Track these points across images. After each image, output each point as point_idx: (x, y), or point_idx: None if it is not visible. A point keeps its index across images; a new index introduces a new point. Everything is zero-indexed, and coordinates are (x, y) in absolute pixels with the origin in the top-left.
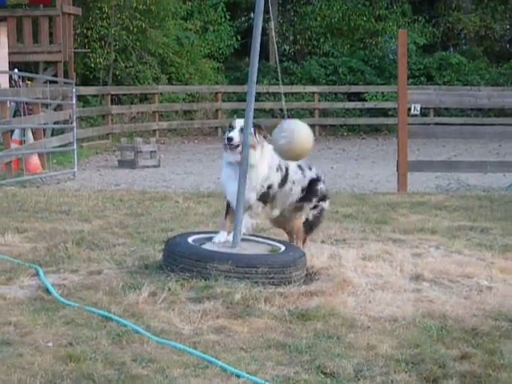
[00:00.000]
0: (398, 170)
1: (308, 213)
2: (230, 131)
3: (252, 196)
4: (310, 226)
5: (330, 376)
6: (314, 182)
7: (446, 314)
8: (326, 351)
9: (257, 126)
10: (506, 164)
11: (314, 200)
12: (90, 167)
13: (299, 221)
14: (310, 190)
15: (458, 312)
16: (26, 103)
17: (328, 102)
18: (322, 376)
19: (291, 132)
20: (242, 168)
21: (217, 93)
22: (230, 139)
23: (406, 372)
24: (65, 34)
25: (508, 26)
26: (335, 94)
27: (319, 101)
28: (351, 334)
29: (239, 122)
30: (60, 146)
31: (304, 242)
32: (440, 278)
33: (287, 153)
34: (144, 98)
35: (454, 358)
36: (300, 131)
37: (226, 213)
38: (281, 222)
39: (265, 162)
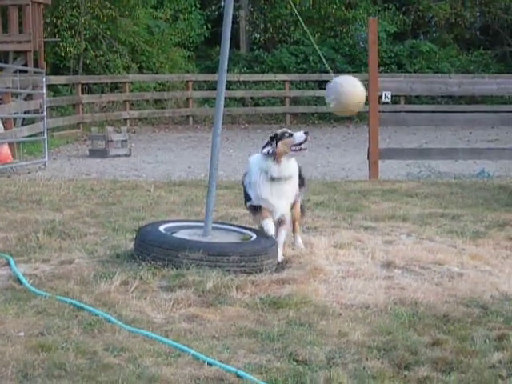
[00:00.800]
0: (369, 158)
1: (300, 198)
2: (289, 135)
3: (287, 209)
4: (303, 210)
5: (303, 363)
6: (300, 170)
7: (418, 300)
8: (297, 339)
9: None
10: (477, 151)
11: (304, 184)
12: (60, 157)
13: (298, 207)
14: (300, 177)
15: (430, 299)
16: None
17: (299, 90)
18: (295, 363)
19: (336, 92)
20: (215, 149)
21: (187, 81)
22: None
23: (378, 359)
24: (34, 23)
25: (478, 13)
26: (306, 82)
27: (290, 89)
28: (323, 322)
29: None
30: (30, 136)
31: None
32: (411, 265)
33: (343, 111)
34: (115, 87)
35: (425, 345)
36: (345, 88)
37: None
38: None
39: (296, 174)
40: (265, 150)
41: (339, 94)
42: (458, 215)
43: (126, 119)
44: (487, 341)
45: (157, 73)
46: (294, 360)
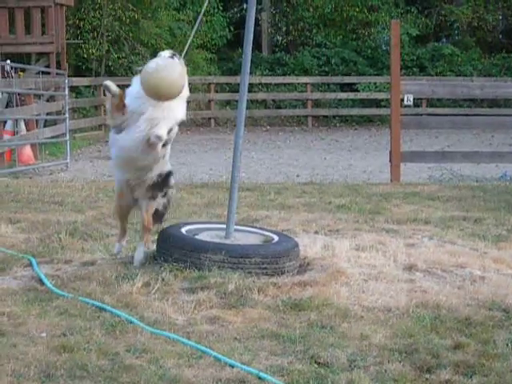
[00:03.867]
0: (390, 161)
1: (159, 203)
2: None
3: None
4: (159, 217)
5: (324, 366)
6: (169, 174)
7: (440, 303)
8: (319, 341)
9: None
10: (499, 154)
11: (165, 190)
12: (82, 158)
13: (150, 212)
14: (166, 180)
15: (452, 302)
16: (19, 94)
17: (321, 92)
18: (316, 366)
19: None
20: (237, 151)
21: (209, 84)
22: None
23: (400, 362)
24: (57, 25)
25: (501, 17)
26: (328, 84)
27: (312, 91)
28: (345, 324)
29: None
30: (53, 137)
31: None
32: (433, 268)
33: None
34: None
35: (447, 348)
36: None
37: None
38: (128, 208)
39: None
40: None
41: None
42: (480, 218)
43: None
44: (509, 344)
45: None
46: (315, 362)
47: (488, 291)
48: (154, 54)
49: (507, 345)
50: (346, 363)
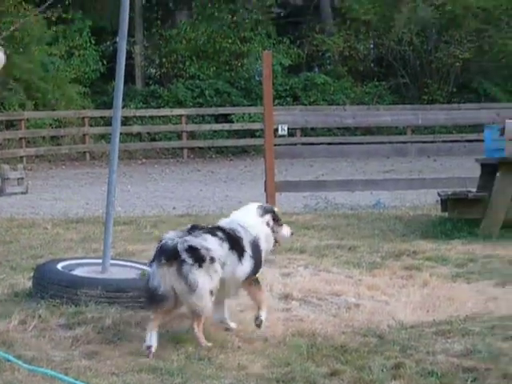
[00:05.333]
0: (266, 191)
1: None
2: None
3: None
4: None
5: None
6: None
7: (316, 331)
8: (197, 373)
9: None
10: (373, 182)
11: None
12: None
13: None
14: None
15: (327, 330)
16: None
17: (196, 124)
18: None
19: None
20: (111, 186)
21: (84, 117)
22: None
23: None
24: None
25: (372, 46)
26: (202, 116)
27: (186, 123)
28: (222, 355)
29: None
30: None
31: None
32: (309, 296)
33: None
34: (10, 125)
35: (323, 375)
36: None
37: None
38: None
39: None
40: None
41: None
42: (354, 246)
43: (22, 156)
44: (384, 370)
45: (53, 109)
46: None
47: (363, 318)
48: (27, 89)
49: (382, 370)
50: None
